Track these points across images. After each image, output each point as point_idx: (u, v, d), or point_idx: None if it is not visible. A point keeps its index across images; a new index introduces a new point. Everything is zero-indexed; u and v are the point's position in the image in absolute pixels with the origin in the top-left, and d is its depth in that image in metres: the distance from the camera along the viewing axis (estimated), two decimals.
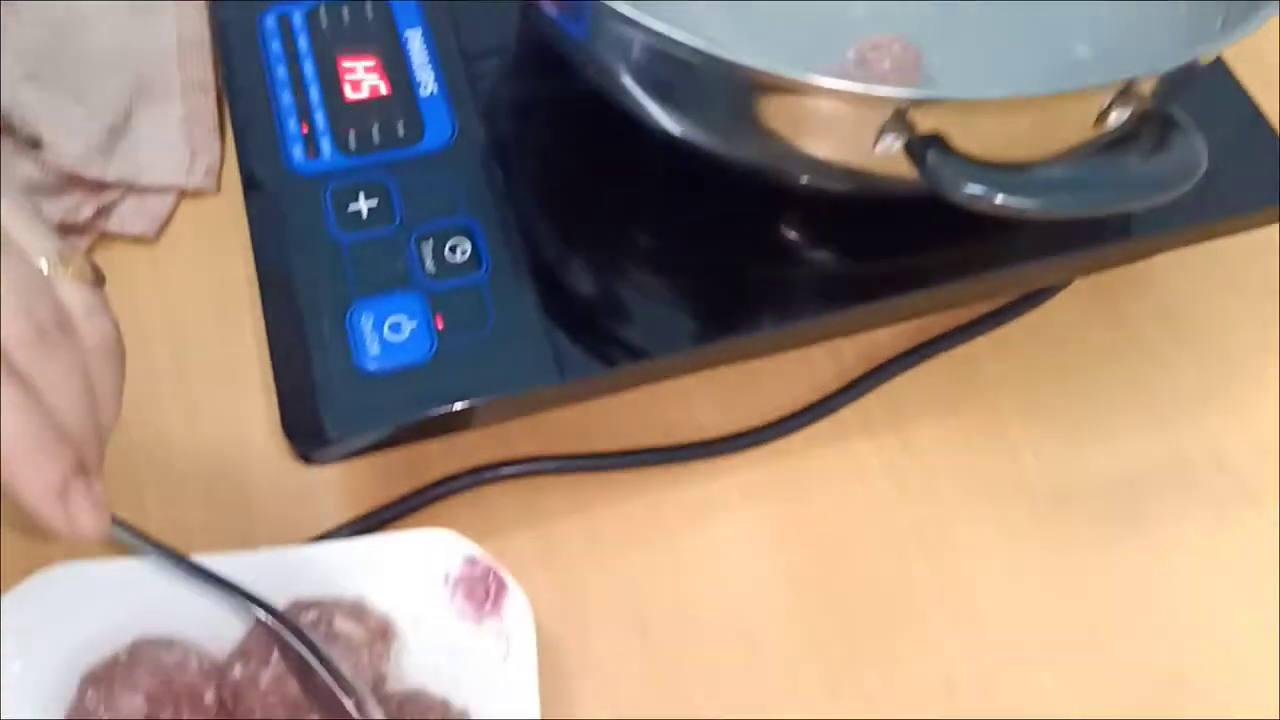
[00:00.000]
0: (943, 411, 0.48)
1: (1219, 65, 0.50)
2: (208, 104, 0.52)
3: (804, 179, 0.42)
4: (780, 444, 0.47)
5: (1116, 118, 0.38)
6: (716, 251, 0.45)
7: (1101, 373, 0.50)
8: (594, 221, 0.45)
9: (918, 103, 0.35)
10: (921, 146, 0.36)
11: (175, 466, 0.45)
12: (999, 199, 0.35)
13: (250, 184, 0.45)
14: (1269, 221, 0.49)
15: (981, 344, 0.50)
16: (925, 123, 0.36)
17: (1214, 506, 0.46)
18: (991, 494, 0.47)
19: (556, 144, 0.47)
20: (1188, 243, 0.49)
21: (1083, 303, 0.51)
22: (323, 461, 0.40)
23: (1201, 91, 0.41)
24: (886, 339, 0.49)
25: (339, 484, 0.45)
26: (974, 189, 0.35)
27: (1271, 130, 0.49)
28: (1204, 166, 0.37)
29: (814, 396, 0.48)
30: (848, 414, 0.48)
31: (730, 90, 0.38)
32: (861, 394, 0.48)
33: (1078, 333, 0.51)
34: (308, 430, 0.39)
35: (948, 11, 0.46)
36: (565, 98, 0.47)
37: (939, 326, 0.50)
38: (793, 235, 0.47)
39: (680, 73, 0.38)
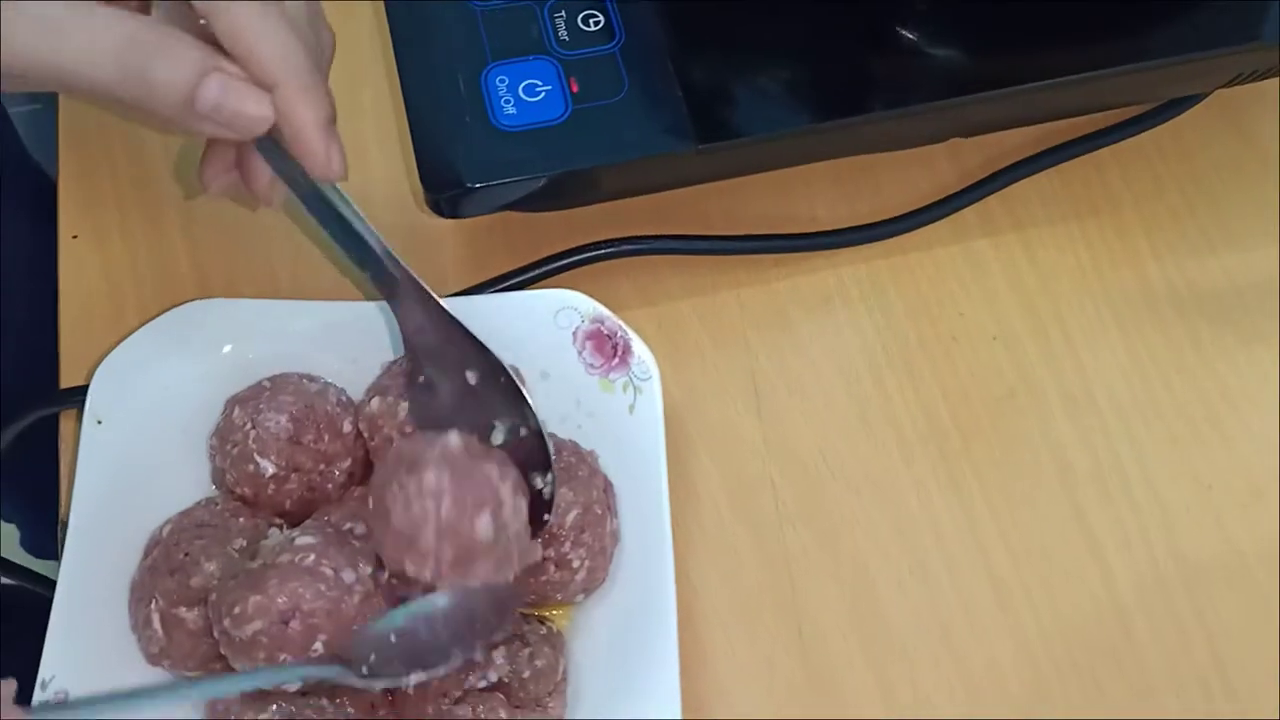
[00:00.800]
0: (1065, 216, 0.48)
1: None
2: None
3: None
4: (900, 240, 0.47)
5: None
6: (843, 38, 0.45)
7: (1229, 187, 0.49)
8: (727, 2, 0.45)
9: None
10: None
11: (301, 232, 0.46)
12: None
13: None
14: None
15: (1107, 154, 0.49)
16: None
17: None
18: (1112, 296, 0.46)
19: None
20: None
21: (1211, 121, 0.50)
22: (458, 215, 0.41)
23: None
24: (1011, 145, 0.49)
25: (463, 256, 0.45)
26: None
27: None
28: None
29: (935, 197, 0.48)
30: (968, 214, 0.48)
31: None
32: (983, 195, 0.48)
33: (1205, 148, 0.50)
34: (445, 180, 0.39)
35: None
36: None
37: (1065, 135, 0.49)
38: (920, 30, 0.46)
39: None
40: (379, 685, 0.32)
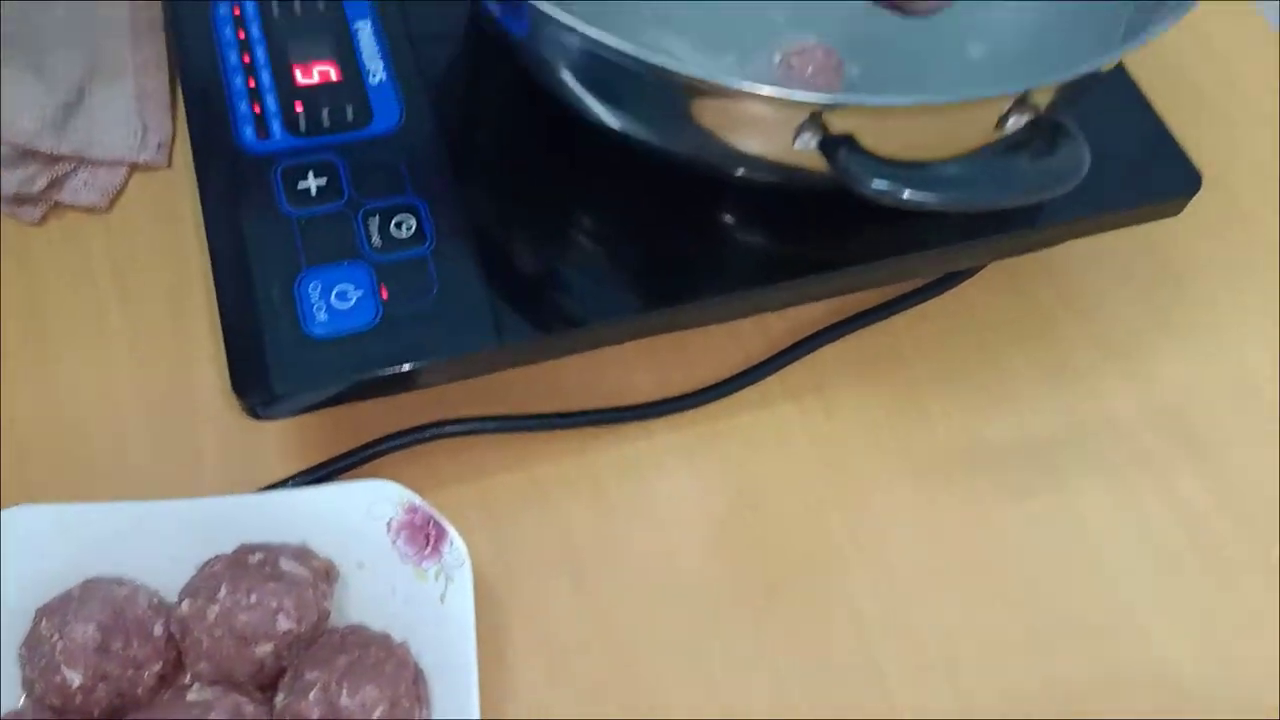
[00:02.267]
0: (862, 381, 0.52)
1: (1119, 67, 0.53)
2: (160, 82, 0.54)
3: (736, 171, 0.45)
4: (711, 408, 0.50)
5: (1015, 122, 0.41)
6: (654, 232, 0.48)
7: (1010, 347, 0.53)
8: (537, 201, 0.48)
9: (831, 107, 0.39)
10: (833, 145, 0.39)
11: (127, 425, 0.47)
12: (904, 194, 0.38)
13: (202, 162, 0.47)
14: (1161, 215, 0.52)
15: (900, 320, 0.53)
16: (838, 124, 0.39)
17: (1112, 468, 0.50)
18: (906, 455, 0.50)
19: (501, 128, 0.50)
20: (1087, 233, 0.52)
21: (994, 285, 0.55)
22: (271, 417, 0.42)
23: (1101, 93, 0.44)
24: (812, 314, 0.53)
25: (285, 441, 0.47)
26: (879, 184, 0.38)
27: (1166, 130, 0.53)
28: (1084, 171, 0.40)
29: (743, 366, 0.51)
30: (774, 382, 0.51)
31: (662, 91, 0.40)
32: (787, 364, 0.51)
33: (988, 311, 0.54)
34: (257, 388, 0.41)
35: (865, 16, 0.49)
36: (511, 85, 0.50)
37: (861, 303, 0.53)
38: (728, 219, 0.49)
39: (616, 74, 0.40)
40: None
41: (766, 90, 0.38)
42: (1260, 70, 0.63)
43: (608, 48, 0.38)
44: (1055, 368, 0.53)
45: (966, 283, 0.54)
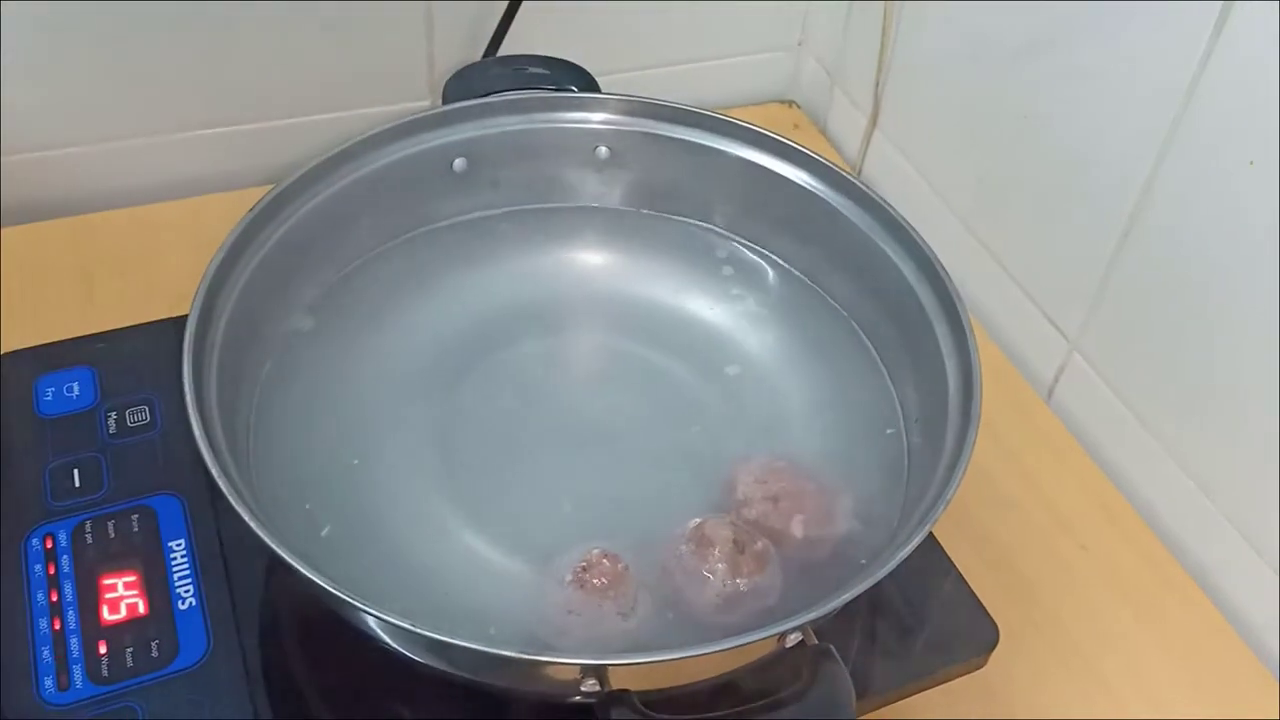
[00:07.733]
0: None
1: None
2: None
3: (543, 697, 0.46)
4: None
5: (794, 638, 0.43)
6: None
7: None
8: None
9: (596, 667, 0.40)
10: (605, 707, 0.40)
11: None
12: None
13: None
14: (966, 672, 0.54)
15: None
16: (615, 675, 0.41)
17: None
18: None
19: (312, 664, 0.50)
20: (911, 694, 0.54)
21: None
22: None
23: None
24: None
25: None
26: None
27: (966, 587, 0.55)
28: (852, 705, 0.41)
29: None
30: None
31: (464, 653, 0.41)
32: None
33: None
34: None
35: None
36: (322, 616, 0.50)
37: None
38: None
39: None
40: None
41: (532, 656, 0.40)
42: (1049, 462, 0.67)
43: (393, 625, 0.40)
44: None
45: None
